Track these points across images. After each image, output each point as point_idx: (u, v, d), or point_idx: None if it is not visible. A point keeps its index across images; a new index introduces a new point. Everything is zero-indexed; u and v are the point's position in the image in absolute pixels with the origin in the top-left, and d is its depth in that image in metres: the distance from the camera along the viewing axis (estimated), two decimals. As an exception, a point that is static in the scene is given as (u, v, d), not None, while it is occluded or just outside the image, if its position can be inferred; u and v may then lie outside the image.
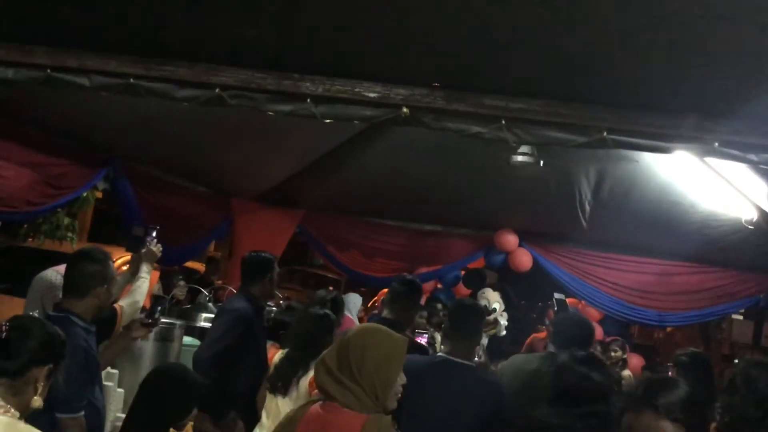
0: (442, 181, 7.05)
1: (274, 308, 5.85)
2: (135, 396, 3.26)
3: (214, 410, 4.62)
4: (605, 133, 2.97)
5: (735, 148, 2.86)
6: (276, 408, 4.14)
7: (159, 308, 4.02)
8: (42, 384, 2.23)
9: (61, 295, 4.03)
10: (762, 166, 2.87)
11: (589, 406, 2.82)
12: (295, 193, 7.77)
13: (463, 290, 8.47)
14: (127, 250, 4.71)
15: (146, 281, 4.23)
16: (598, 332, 7.65)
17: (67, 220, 6.35)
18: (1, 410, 2.12)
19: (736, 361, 3.49)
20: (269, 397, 4.23)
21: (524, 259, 7.76)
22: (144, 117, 5.21)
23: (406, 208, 7.88)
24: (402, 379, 2.67)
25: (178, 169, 6.90)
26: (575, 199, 6.89)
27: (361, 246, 8.20)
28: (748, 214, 6.37)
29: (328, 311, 4.53)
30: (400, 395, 2.69)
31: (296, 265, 15.06)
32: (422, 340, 5.18)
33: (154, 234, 4.31)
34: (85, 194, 6.04)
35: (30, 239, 6.76)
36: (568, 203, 6.93)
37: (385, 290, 8.83)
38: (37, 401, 2.22)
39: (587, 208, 6.97)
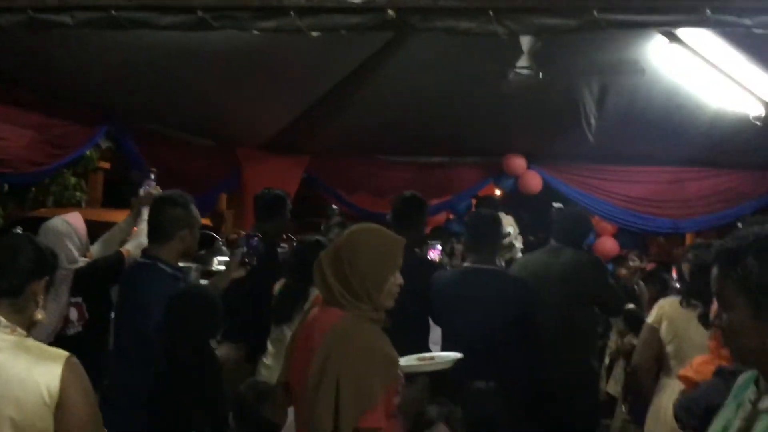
0: (446, 109, 6.99)
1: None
2: (165, 325, 3.30)
3: (249, 345, 4.68)
4: (596, 13, 2.91)
5: (728, 13, 2.79)
6: (283, 336, 4.16)
7: (252, 249, 4.03)
8: (41, 297, 2.24)
9: (69, 244, 4.07)
10: (756, 30, 2.80)
11: None
12: (300, 138, 7.73)
13: (476, 219, 8.45)
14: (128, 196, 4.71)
15: None
16: (615, 246, 7.65)
17: (73, 180, 6.37)
18: (8, 330, 2.14)
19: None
20: (274, 328, 4.26)
21: (534, 182, 7.73)
22: (140, 70, 5.19)
23: (412, 142, 7.82)
24: (398, 279, 2.66)
25: (179, 123, 6.87)
26: (580, 115, 6.81)
27: (369, 185, 8.18)
28: (756, 111, 6.28)
29: (320, 238, 4.54)
30: (396, 295, 2.67)
31: (311, 218, 15.08)
32: (435, 253, 5.20)
33: (152, 177, 4.29)
34: (88, 153, 6.04)
35: (40, 209, 6.80)
36: (573, 119, 6.86)
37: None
38: (40, 313, 2.24)
39: (593, 122, 6.89)
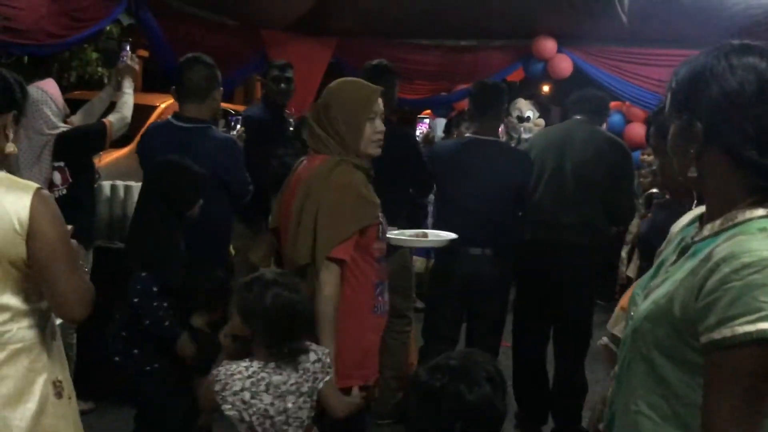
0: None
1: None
2: (140, 190, 3.38)
3: (253, 223, 4.80)
4: None
5: None
6: None
7: (235, 122, 4.08)
8: (12, 129, 2.26)
9: (47, 110, 4.11)
10: None
11: None
12: (326, 20, 7.62)
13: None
14: (104, 66, 4.72)
15: (131, 96, 4.24)
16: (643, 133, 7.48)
17: (94, 55, 6.40)
18: None
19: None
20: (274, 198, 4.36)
21: (564, 66, 7.51)
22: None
23: (440, 25, 7.64)
24: (378, 126, 2.76)
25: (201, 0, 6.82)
26: (613, -9, 6.55)
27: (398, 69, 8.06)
28: (794, -11, 5.96)
29: None
30: (380, 142, 2.78)
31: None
32: (423, 126, 5.24)
33: (127, 48, 4.27)
34: (108, 28, 6.04)
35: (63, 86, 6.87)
36: (606, -2, 6.60)
37: (427, 111, 8.82)
38: (10, 147, 2.27)
39: (626, 0, 6.62)
